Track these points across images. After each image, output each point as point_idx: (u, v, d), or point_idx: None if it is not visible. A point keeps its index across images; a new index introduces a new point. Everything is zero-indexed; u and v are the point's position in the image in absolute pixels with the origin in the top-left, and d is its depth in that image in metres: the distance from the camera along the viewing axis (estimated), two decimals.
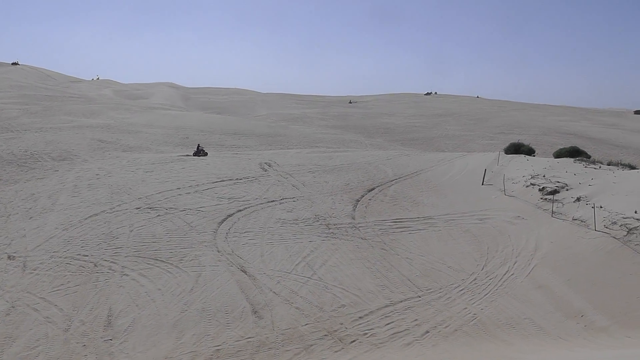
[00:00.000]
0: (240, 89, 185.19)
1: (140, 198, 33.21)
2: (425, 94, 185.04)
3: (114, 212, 30.77)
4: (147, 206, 31.67)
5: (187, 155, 49.35)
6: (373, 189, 37.48)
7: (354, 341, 18.55)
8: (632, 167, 42.27)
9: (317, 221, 30.36)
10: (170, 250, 25.64)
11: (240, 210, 31.47)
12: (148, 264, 24.21)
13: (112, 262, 24.39)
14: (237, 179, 38.72)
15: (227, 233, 28.07)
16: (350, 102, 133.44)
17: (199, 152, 50.25)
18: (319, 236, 28.15)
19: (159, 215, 30.29)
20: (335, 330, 19.13)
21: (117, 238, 27.06)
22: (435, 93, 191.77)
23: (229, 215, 30.58)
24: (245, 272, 23.50)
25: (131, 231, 27.96)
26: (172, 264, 24.23)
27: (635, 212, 27.15)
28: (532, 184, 35.62)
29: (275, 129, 78.28)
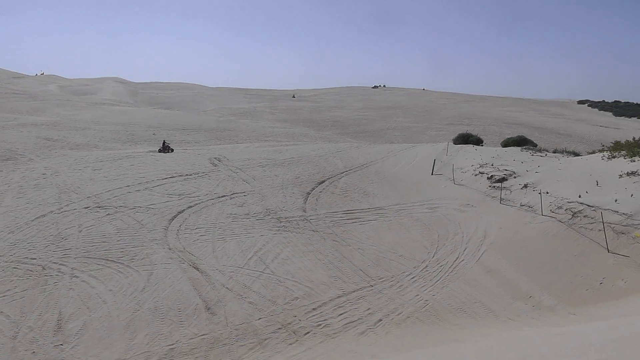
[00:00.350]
0: (189, 83, 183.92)
1: (89, 197, 32.63)
2: (373, 87, 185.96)
3: (62, 212, 30.14)
4: (96, 205, 31.13)
5: (154, 152, 49.06)
6: (323, 181, 37.66)
7: (307, 333, 18.56)
8: (576, 154, 43.39)
9: (268, 215, 30.33)
10: (121, 250, 25.15)
11: (191, 207, 31.23)
12: (98, 264, 23.66)
13: (61, 264, 23.70)
14: (187, 175, 38.43)
15: (178, 230, 27.79)
16: (293, 97, 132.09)
17: (165, 148, 49.88)
18: (271, 230, 28.12)
19: (108, 214, 29.80)
20: (289, 323, 19.11)
21: (66, 239, 26.45)
22: (384, 86, 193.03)
23: (180, 212, 30.30)
24: (197, 268, 23.27)
25: (80, 232, 27.38)
26: (123, 263, 23.76)
27: (580, 196, 27.92)
28: (480, 173, 36.23)
29: (224, 124, 77.92)
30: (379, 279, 22.64)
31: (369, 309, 20.20)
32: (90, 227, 27.86)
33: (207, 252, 25.05)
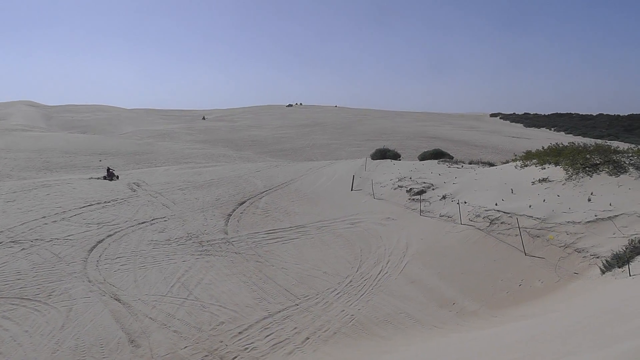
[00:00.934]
0: (104, 105, 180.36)
1: (2, 231, 31.15)
2: (287, 106, 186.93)
3: None
4: (9, 240, 29.76)
5: (97, 179, 47.27)
6: (244, 202, 37.47)
7: (235, 357, 18.28)
8: (491, 164, 44.67)
9: (190, 239, 29.89)
10: (38, 286, 23.84)
11: (111, 235, 30.41)
12: (12, 304, 22.23)
13: None
14: (105, 202, 37.48)
15: (97, 261, 26.92)
16: (203, 118, 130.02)
17: (110, 175, 47.80)
18: (193, 255, 27.68)
19: (23, 248, 28.52)
20: (216, 349, 18.80)
21: None
22: (300, 104, 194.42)
23: (99, 242, 29.41)
24: (119, 300, 22.51)
25: None
26: (40, 301, 22.49)
27: (496, 204, 29.00)
28: (399, 186, 36.84)
29: (142, 147, 76.65)
30: (304, 297, 22.60)
31: (295, 328, 20.11)
32: (4, 264, 26.44)
33: (128, 282, 24.34)
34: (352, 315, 20.89)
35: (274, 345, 18.95)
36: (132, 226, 32.12)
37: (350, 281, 24.13)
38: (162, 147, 77.26)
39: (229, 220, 33.39)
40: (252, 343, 19.11)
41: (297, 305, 21.94)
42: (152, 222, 33.02)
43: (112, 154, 68.65)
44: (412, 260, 25.70)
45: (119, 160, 65.02)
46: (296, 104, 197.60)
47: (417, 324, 20.06)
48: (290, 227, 32.00)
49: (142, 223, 32.76)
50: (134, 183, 43.74)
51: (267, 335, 19.59)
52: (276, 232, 31.12)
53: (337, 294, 22.90)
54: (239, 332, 19.83)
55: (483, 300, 21.19)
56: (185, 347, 18.96)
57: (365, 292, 22.92)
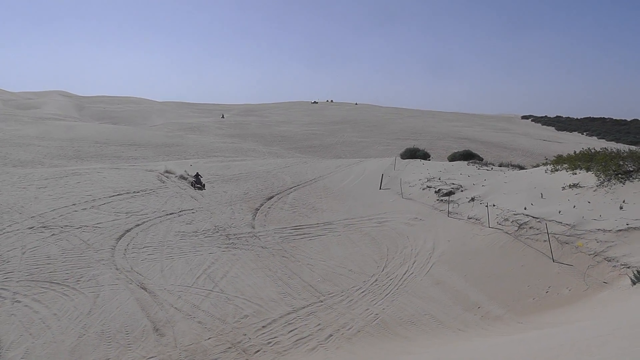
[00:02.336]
0: (136, 97, 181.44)
1: (33, 217, 31.64)
2: (313, 103, 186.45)
3: (4, 233, 29.16)
4: (40, 225, 30.22)
5: (184, 187, 43.09)
6: (272, 197, 37.57)
7: (258, 351, 18.38)
8: (521, 168, 44.34)
9: (217, 232, 30.06)
10: (67, 272, 24.25)
11: (139, 225, 30.70)
12: (42, 287, 22.71)
13: (2, 288, 22.52)
14: (134, 192, 37.78)
15: (125, 249, 27.23)
16: (222, 117, 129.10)
17: (197, 182, 41.48)
18: (219, 247, 27.86)
19: (53, 234, 28.94)
20: (239, 342, 18.91)
21: (8, 262, 25.44)
22: (332, 101, 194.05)
23: (127, 231, 29.72)
24: (145, 289, 22.79)
25: (23, 253, 26.44)
26: (68, 285, 22.92)
27: (525, 208, 28.65)
28: (428, 187, 36.66)
29: (172, 139, 77.06)
30: (329, 294, 22.65)
31: (319, 324, 20.15)
32: (34, 249, 26.95)
33: (155, 272, 24.59)
34: (377, 314, 20.86)
35: (297, 340, 19.01)
36: (160, 217, 32.38)
37: (376, 280, 24.11)
38: (191, 140, 77.60)
39: (256, 215, 33.52)
40: (275, 337, 19.19)
41: (322, 301, 22.01)
42: (180, 213, 33.26)
43: (143, 145, 69.10)
44: (438, 261, 25.59)
45: (149, 151, 65.47)
46: (327, 100, 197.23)
47: (441, 326, 19.97)
48: (317, 223, 32.04)
49: (170, 214, 33.00)
50: (163, 175, 43.99)
51: (291, 331, 19.65)
52: (303, 228, 31.17)
53: (362, 292, 22.89)
54: (263, 326, 19.92)
55: (508, 306, 20.98)
56: (209, 338, 19.11)
57: (390, 291, 22.88)
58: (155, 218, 32.10)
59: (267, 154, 70.05)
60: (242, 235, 29.67)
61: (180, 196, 37.20)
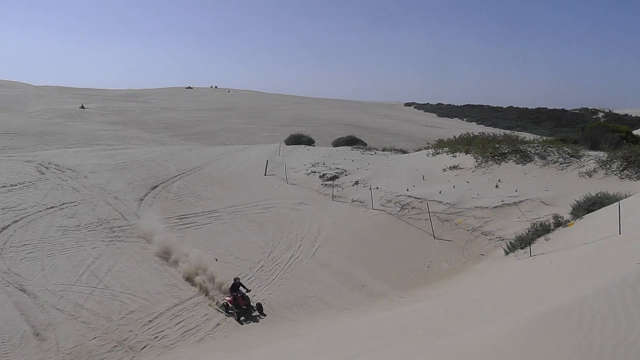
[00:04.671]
0: (11, 81, 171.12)
1: None
2: (187, 88, 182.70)
3: None
4: None
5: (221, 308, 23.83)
6: (157, 186, 36.68)
7: (144, 347, 18.07)
8: (403, 152, 45.71)
9: (101, 225, 29.03)
10: None
11: (17, 221, 29.07)
12: None
13: None
14: (11, 185, 35.63)
15: (2, 249, 25.81)
16: (82, 107, 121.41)
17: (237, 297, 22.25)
18: (103, 241, 26.95)
19: None
20: (125, 339, 18.47)
21: None
22: (216, 87, 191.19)
23: (4, 228, 28.07)
24: (24, 290, 21.52)
25: None
26: None
27: (407, 190, 29.82)
28: (312, 172, 37.07)
29: (51, 127, 73.47)
30: (215, 283, 22.49)
31: (206, 314, 20.07)
32: None
33: (35, 271, 23.34)
34: (263, 300, 21.04)
35: (184, 332, 18.86)
36: (40, 211, 30.87)
37: (262, 266, 24.24)
38: (72, 128, 74.53)
39: (141, 205, 32.68)
40: (162, 331, 18.93)
41: (209, 292, 21.85)
42: (62, 207, 31.84)
43: (19, 133, 65.62)
44: (323, 244, 26.03)
45: (27, 140, 62.32)
46: (212, 86, 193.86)
47: (328, 306, 20.41)
48: (203, 212, 31.65)
49: (51, 208, 31.51)
50: (42, 165, 41.99)
51: (178, 323, 19.45)
52: (188, 217, 30.73)
53: (249, 279, 22.94)
54: (149, 321, 19.57)
55: (392, 282, 21.88)
56: (94, 338, 18.53)
57: (276, 276, 23.12)
58: (35, 213, 30.57)
59: (151, 142, 68.30)
60: (127, 228, 28.84)
61: (61, 188, 35.51)
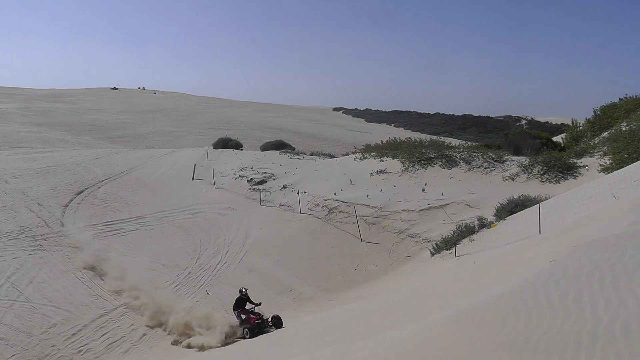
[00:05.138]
0: None
1: None
2: (112, 89, 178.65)
3: None
4: None
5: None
6: (82, 191, 35.66)
7: None
8: (331, 156, 46.00)
9: (22, 233, 27.95)
10: None
11: None
12: None
13: None
14: None
15: None
16: None
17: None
18: (25, 250, 25.95)
19: None
20: (47, 355, 17.82)
21: None
22: (143, 88, 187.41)
23: None
24: None
25: None
26: None
27: (335, 194, 30.12)
28: (240, 176, 36.95)
29: None
30: (142, 292, 21.99)
31: (132, 324, 19.66)
32: None
33: None
34: (191, 307, 20.72)
35: (109, 344, 18.45)
36: None
37: (189, 273, 23.98)
38: None
39: (66, 212, 31.67)
40: (86, 345, 18.42)
41: (134, 301, 21.32)
42: None
43: None
44: (251, 249, 26.01)
45: None
46: (139, 87, 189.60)
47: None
48: (130, 218, 31.00)
49: None
50: None
51: (103, 335, 19.00)
52: (115, 224, 30.04)
53: (176, 286, 22.66)
54: (73, 334, 18.98)
55: (320, 286, 22.14)
56: (12, 355, 17.75)
57: (204, 283, 22.94)
58: None
59: (77, 145, 66.41)
60: (50, 236, 27.94)
61: None
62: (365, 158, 36.80)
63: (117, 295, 21.86)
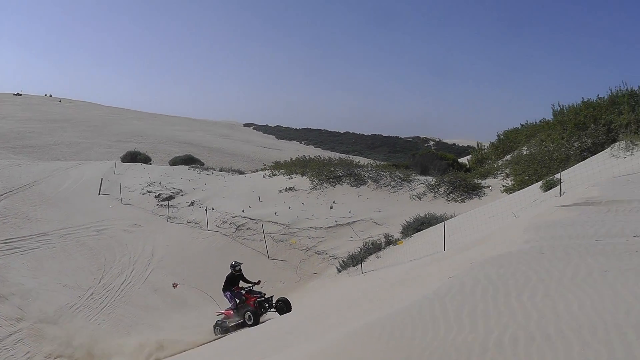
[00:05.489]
0: None
1: None
2: (15, 94, 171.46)
3: None
4: None
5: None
6: None
7: None
8: (241, 173, 45.96)
9: None
10: None
11: None
12: None
13: None
14: None
15: None
16: None
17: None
18: None
19: None
20: None
21: None
22: (50, 96, 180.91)
23: None
24: None
25: None
26: None
27: (243, 211, 30.20)
28: (148, 192, 36.33)
29: None
30: (40, 316, 21.05)
31: (28, 352, 18.80)
32: None
33: None
34: (92, 330, 20.04)
35: None
36: None
37: (92, 294, 23.25)
38: None
39: None
40: None
41: (32, 326, 20.41)
42: None
43: None
44: (157, 267, 25.62)
45: None
46: (46, 95, 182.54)
47: (162, 331, 19.86)
48: (31, 235, 29.68)
49: None
50: None
51: None
52: (14, 242, 28.68)
53: (77, 308, 21.90)
54: None
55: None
56: None
57: (107, 304, 22.30)
58: None
59: None
60: None
61: None
62: (274, 175, 37.00)
63: (13, 321, 20.81)
